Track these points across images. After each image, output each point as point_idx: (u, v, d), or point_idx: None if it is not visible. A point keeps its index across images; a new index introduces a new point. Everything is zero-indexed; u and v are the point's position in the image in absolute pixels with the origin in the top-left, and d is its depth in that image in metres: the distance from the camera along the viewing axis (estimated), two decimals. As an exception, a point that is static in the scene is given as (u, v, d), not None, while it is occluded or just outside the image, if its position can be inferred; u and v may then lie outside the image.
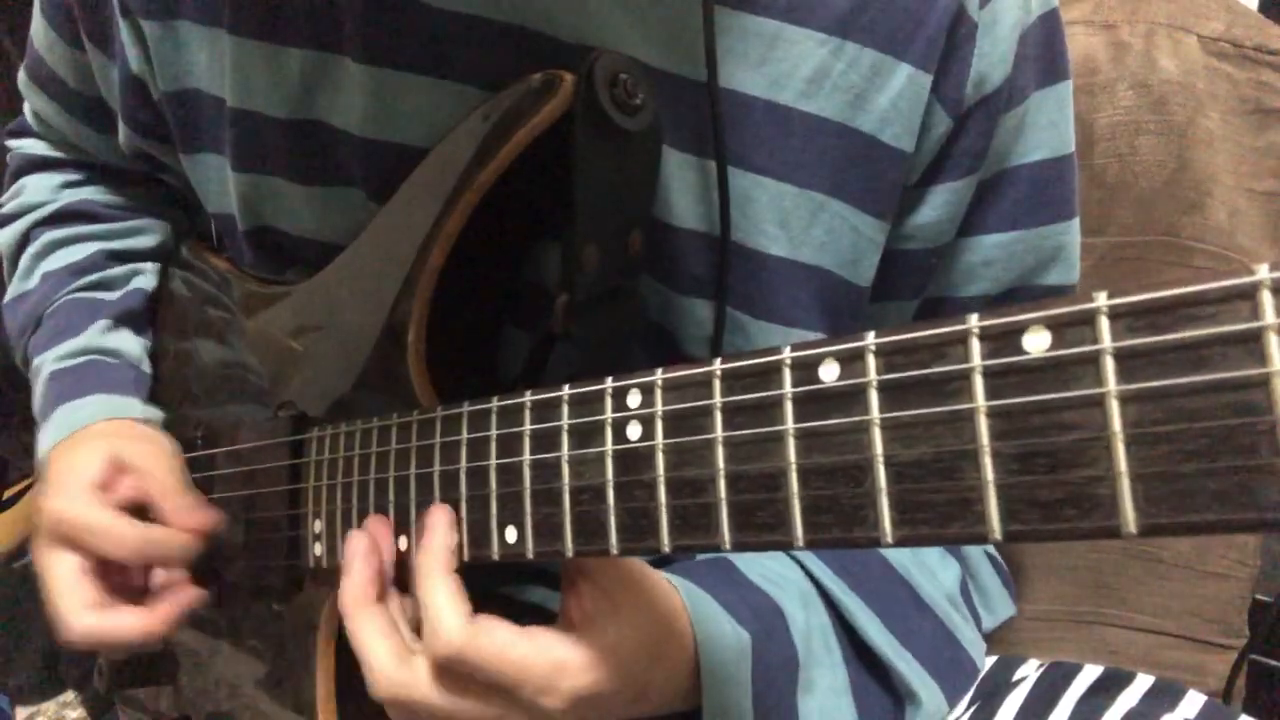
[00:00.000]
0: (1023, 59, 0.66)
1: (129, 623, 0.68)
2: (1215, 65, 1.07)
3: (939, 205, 0.67)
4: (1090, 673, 0.68)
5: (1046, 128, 0.69)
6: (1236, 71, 1.07)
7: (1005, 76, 0.64)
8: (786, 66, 0.62)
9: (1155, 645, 1.07)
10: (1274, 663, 1.21)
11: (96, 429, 0.77)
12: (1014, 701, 0.67)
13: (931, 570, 0.70)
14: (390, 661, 0.52)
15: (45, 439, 0.78)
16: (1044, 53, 0.68)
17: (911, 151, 0.64)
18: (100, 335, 0.83)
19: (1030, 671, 0.71)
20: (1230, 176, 1.07)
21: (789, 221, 0.64)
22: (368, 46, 0.63)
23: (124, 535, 0.68)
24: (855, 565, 0.66)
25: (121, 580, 0.71)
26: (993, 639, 0.75)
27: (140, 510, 0.72)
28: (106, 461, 0.72)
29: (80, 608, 0.68)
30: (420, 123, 0.64)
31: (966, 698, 0.71)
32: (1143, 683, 0.66)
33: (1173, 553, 1.07)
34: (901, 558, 0.69)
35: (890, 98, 0.63)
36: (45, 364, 0.82)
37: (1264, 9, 1.30)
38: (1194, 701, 0.63)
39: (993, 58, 0.64)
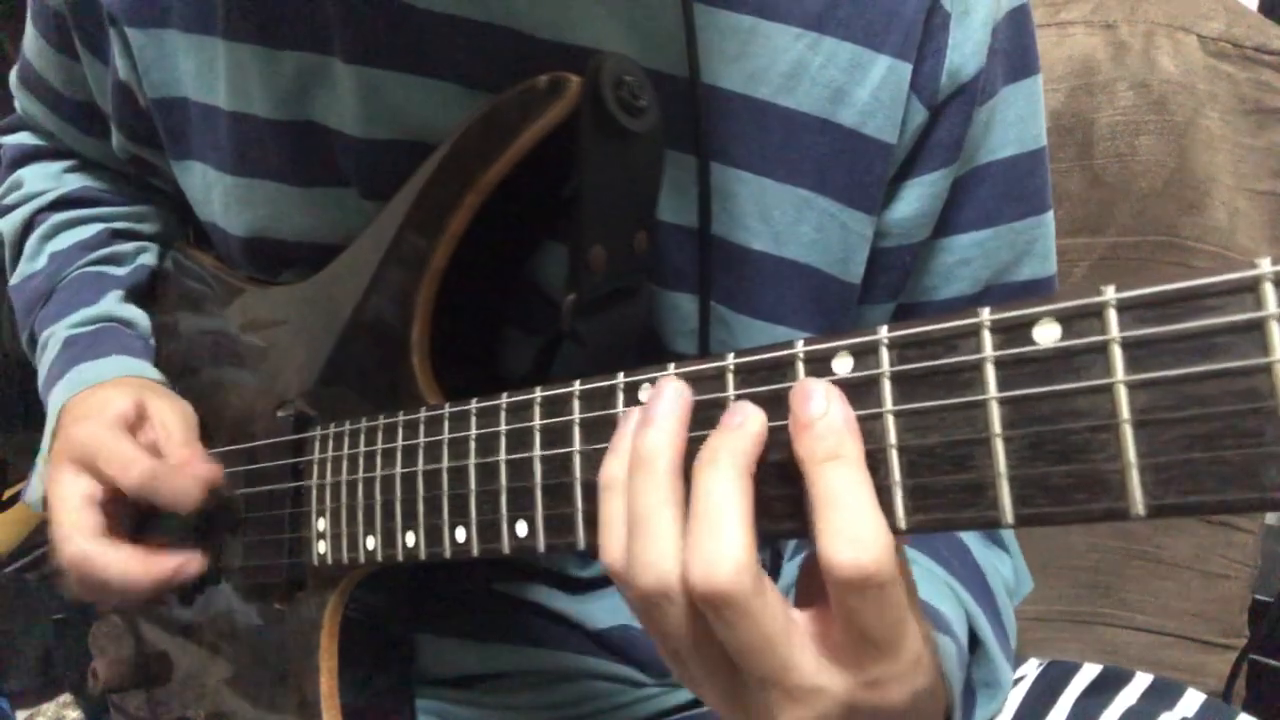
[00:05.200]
0: (993, 53, 0.66)
1: (116, 559, 0.66)
2: (1215, 65, 1.07)
3: (915, 199, 0.67)
4: (1089, 671, 0.68)
5: (1015, 123, 0.69)
6: (1236, 71, 1.07)
7: (979, 68, 0.64)
8: (763, 62, 0.63)
9: (1155, 645, 1.08)
10: (1274, 663, 1.22)
11: (122, 380, 0.76)
12: (1014, 700, 0.68)
13: (998, 554, 0.70)
14: (816, 658, 0.40)
15: (58, 395, 0.77)
16: (1013, 48, 0.68)
17: (895, 143, 0.64)
18: (115, 305, 0.83)
19: (1030, 670, 0.71)
20: (1230, 176, 1.07)
21: (771, 216, 0.65)
22: (354, 47, 0.63)
23: (134, 460, 0.66)
24: (944, 548, 0.64)
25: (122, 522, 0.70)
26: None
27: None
28: (133, 403, 0.71)
29: (77, 531, 0.66)
30: (409, 121, 0.64)
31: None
32: (1142, 681, 0.66)
33: (1173, 553, 1.08)
34: (968, 539, 0.67)
35: (871, 90, 0.63)
36: (58, 331, 0.81)
37: (1264, 9, 1.31)
38: (1193, 700, 0.64)
39: (965, 49, 0.64)
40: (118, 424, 0.69)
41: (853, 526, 0.37)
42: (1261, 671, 1.19)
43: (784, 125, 0.63)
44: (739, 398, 0.41)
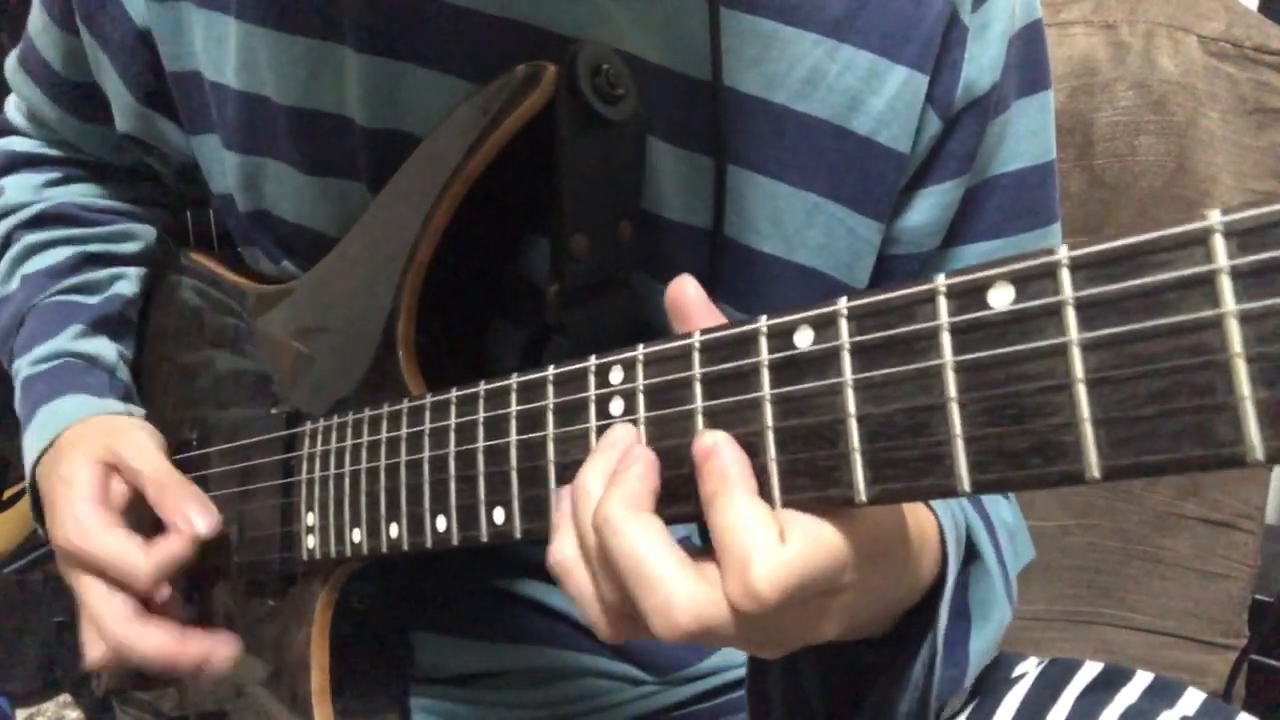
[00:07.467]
0: (1007, 67, 0.66)
1: (152, 643, 0.68)
2: (1215, 65, 1.07)
3: (926, 209, 0.67)
4: (1090, 670, 0.68)
5: (1027, 137, 0.69)
6: (1236, 71, 1.07)
7: (994, 82, 0.65)
8: (782, 67, 0.63)
9: (1155, 645, 1.07)
10: (1274, 663, 1.21)
11: (75, 434, 0.76)
12: (1014, 698, 0.67)
13: (998, 500, 0.69)
14: (690, 579, 0.40)
15: (29, 445, 0.77)
16: (1026, 62, 0.68)
17: (908, 153, 0.65)
18: (72, 340, 0.81)
19: (1030, 669, 0.70)
20: (1230, 176, 1.07)
21: (782, 220, 0.65)
22: (366, 36, 0.63)
23: (137, 568, 0.67)
24: None
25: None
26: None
27: (137, 504, 0.72)
28: (94, 468, 0.71)
29: (117, 618, 0.68)
30: (420, 114, 0.64)
31: (965, 694, 0.71)
32: (1142, 680, 0.66)
33: (1173, 553, 1.07)
34: None
35: (887, 100, 0.63)
36: (22, 367, 0.81)
37: (1264, 9, 1.30)
38: (1193, 699, 0.63)
39: (982, 62, 0.65)
40: (94, 506, 0.70)
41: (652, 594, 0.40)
42: (1261, 671, 1.18)
43: (799, 130, 0.64)
44: (704, 375, 0.41)
